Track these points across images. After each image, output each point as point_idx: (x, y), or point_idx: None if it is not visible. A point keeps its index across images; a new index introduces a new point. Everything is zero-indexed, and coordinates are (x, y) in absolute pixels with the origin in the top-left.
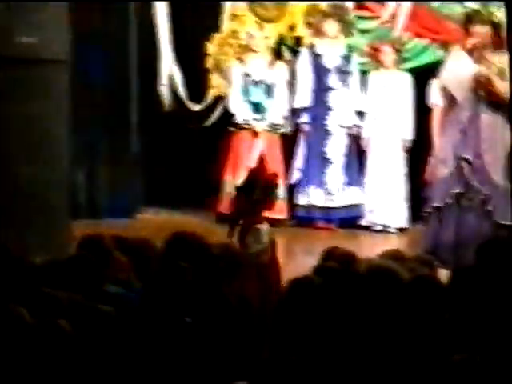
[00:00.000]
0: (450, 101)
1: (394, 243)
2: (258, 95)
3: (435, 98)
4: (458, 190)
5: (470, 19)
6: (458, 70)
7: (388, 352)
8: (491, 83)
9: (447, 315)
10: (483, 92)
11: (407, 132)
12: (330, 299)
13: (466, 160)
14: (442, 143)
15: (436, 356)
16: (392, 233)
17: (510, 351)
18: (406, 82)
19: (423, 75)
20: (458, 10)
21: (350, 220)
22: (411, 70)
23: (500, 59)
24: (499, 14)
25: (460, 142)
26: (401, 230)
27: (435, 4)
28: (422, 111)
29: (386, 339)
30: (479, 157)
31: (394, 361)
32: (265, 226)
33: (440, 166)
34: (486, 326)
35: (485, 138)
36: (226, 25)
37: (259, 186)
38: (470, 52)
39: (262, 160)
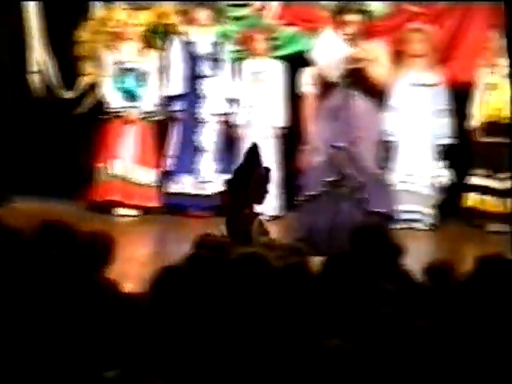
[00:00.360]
0: (324, 88)
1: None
2: (130, 83)
3: (308, 86)
4: (332, 178)
5: (342, 8)
6: (331, 49)
7: (259, 338)
8: (365, 67)
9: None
10: (357, 76)
11: (279, 119)
12: (201, 287)
13: (340, 147)
14: (316, 131)
15: (307, 342)
16: (266, 220)
17: (380, 337)
18: (278, 69)
19: (296, 63)
20: None
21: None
22: (283, 58)
23: (373, 47)
24: (372, 3)
25: (333, 130)
26: (274, 217)
27: None
28: (296, 99)
29: (257, 326)
30: (353, 144)
31: (266, 346)
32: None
33: (314, 153)
34: (358, 312)
35: (358, 126)
36: (98, 12)
37: (253, 180)
38: (344, 41)
39: (255, 153)
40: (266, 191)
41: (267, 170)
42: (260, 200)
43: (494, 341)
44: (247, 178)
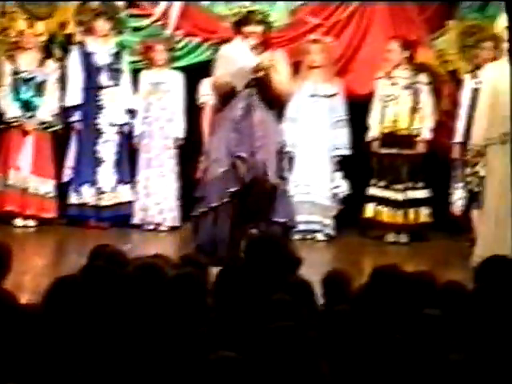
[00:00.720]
0: (224, 98)
1: (165, 242)
2: (28, 93)
3: (207, 96)
4: (233, 189)
5: (244, 19)
6: (232, 59)
7: (153, 348)
8: (266, 77)
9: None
10: (257, 86)
11: (179, 130)
12: (96, 298)
13: (241, 158)
14: (216, 142)
15: (197, 352)
16: (164, 231)
17: (273, 349)
18: (178, 80)
19: (196, 73)
20: (231, 9)
21: (122, 218)
22: (183, 69)
23: (273, 57)
24: (273, 14)
25: (234, 140)
26: (173, 228)
27: (207, 3)
28: (195, 110)
29: (151, 336)
30: (253, 154)
31: (160, 356)
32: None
33: (214, 164)
34: (251, 323)
35: (258, 136)
36: None
37: (253, 196)
38: (245, 51)
39: (261, 172)
40: (268, 207)
41: (273, 187)
42: (261, 216)
43: (387, 350)
44: (248, 193)
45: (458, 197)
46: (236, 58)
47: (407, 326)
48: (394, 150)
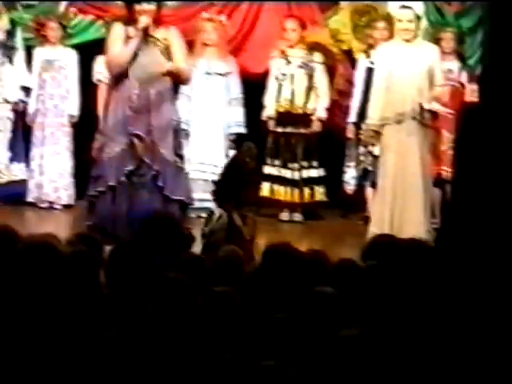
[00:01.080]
0: (118, 77)
1: (60, 220)
2: None
3: (100, 74)
4: (130, 167)
5: None
6: (123, 37)
7: (48, 327)
8: (161, 55)
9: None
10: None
11: (73, 108)
12: None
13: (138, 136)
14: (111, 120)
15: (89, 330)
16: (58, 209)
17: (164, 326)
18: (72, 57)
19: (90, 51)
20: None
21: (16, 196)
22: (77, 46)
23: (166, 35)
24: None
25: (130, 119)
26: (67, 206)
27: None
28: (90, 87)
29: (44, 313)
30: (149, 133)
31: (55, 336)
32: (218, 211)
33: (110, 143)
34: (143, 301)
35: (154, 114)
36: None
37: (234, 178)
38: (142, 30)
39: (242, 153)
40: (247, 189)
41: (252, 169)
42: (243, 199)
43: (278, 329)
44: (229, 176)
45: (351, 176)
46: (119, 37)
47: (299, 304)
48: (289, 129)
